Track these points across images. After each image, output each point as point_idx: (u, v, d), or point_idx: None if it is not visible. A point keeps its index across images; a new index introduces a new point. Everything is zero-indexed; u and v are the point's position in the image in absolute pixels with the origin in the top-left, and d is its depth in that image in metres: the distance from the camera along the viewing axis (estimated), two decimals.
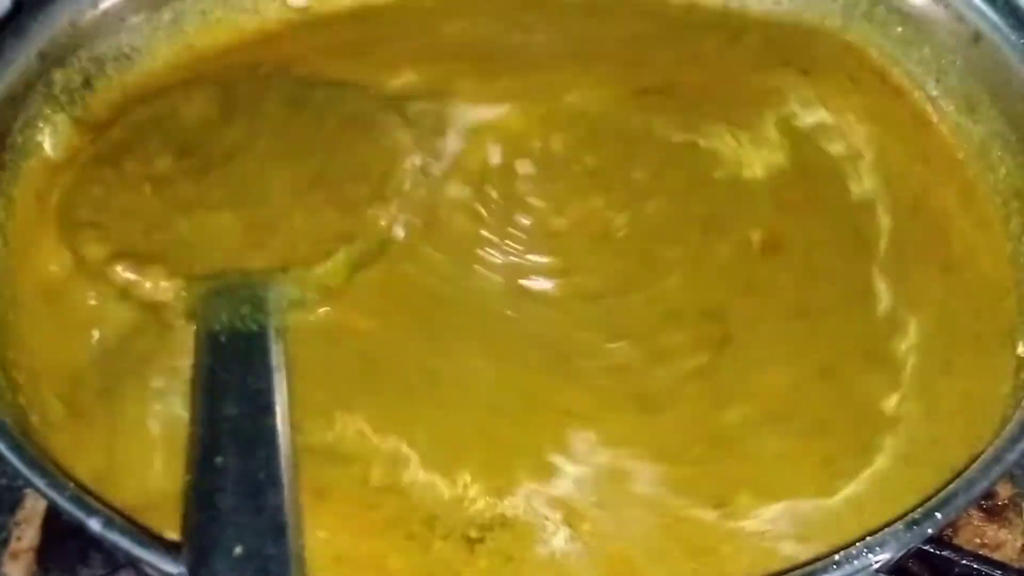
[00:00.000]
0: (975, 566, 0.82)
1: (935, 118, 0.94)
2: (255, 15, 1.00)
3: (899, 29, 0.96)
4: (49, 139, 0.89)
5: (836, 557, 0.64)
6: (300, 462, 0.68)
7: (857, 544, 0.64)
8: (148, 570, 0.67)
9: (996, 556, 0.86)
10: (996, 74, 0.90)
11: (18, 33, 0.87)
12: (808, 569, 0.64)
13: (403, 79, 0.94)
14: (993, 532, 0.88)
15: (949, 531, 0.87)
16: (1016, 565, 0.85)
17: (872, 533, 0.65)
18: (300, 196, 0.84)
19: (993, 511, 0.89)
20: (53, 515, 0.89)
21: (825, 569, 0.63)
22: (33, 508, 0.90)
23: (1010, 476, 0.88)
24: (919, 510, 0.65)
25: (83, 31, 0.91)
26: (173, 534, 0.69)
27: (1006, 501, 0.89)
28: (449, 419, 0.75)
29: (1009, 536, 0.88)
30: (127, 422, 0.76)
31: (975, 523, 0.89)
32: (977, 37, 0.91)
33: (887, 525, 0.65)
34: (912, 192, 0.90)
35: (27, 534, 0.89)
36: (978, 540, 0.88)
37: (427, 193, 0.86)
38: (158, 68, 0.96)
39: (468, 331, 0.80)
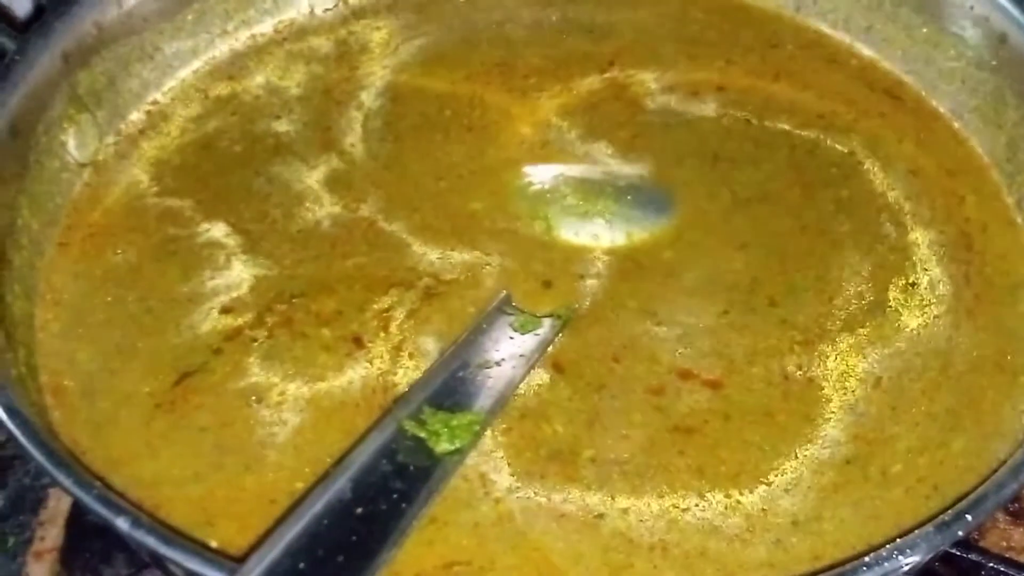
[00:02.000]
0: (1001, 569, 0.82)
1: (959, 122, 0.94)
2: (277, 15, 1.01)
3: (924, 30, 0.96)
4: (73, 139, 0.89)
5: (866, 559, 0.63)
6: None
7: (887, 546, 0.64)
8: (173, 569, 0.67)
9: (1022, 559, 0.85)
10: (1022, 76, 0.89)
11: (42, 34, 0.87)
12: (839, 571, 0.63)
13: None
14: (1020, 535, 0.88)
15: (975, 534, 0.87)
16: None
17: (903, 535, 0.65)
18: None
19: (1020, 514, 0.89)
20: (76, 515, 0.89)
21: (855, 571, 0.63)
22: (56, 508, 0.90)
23: None
24: (949, 512, 0.65)
25: (107, 32, 0.91)
26: (199, 534, 0.70)
27: None
28: None
29: None
30: (154, 423, 0.76)
31: (1001, 526, 0.88)
32: (1004, 38, 0.91)
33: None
34: (940, 194, 0.90)
35: (50, 534, 0.89)
36: (1004, 543, 0.88)
37: None
38: (183, 67, 0.97)
39: None
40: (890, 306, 0.83)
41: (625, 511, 0.72)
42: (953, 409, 0.78)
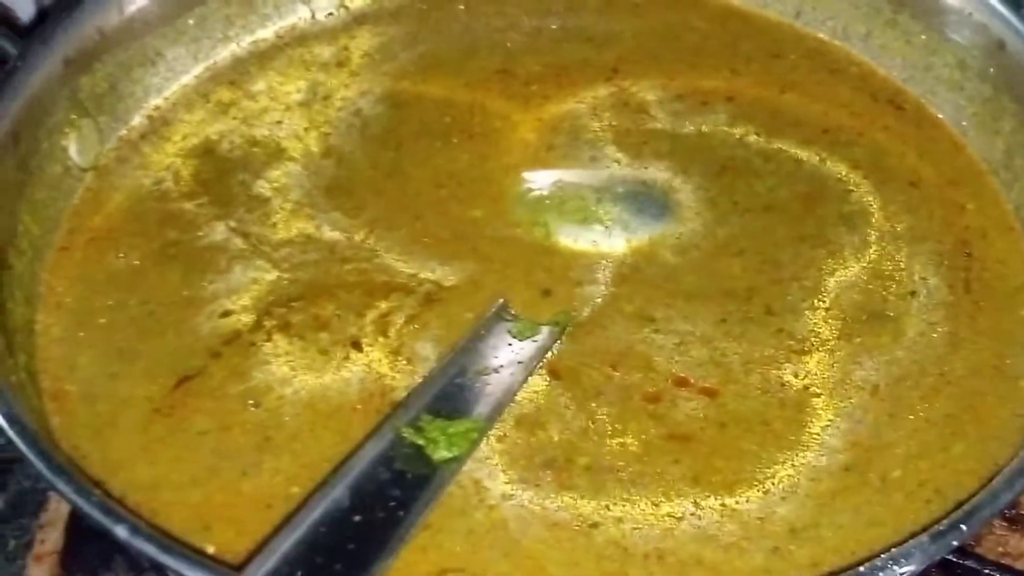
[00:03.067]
0: (997, 575, 0.82)
1: (957, 129, 0.95)
2: (279, 21, 1.02)
3: (923, 37, 0.96)
4: (75, 144, 0.89)
5: (861, 569, 0.63)
6: None
7: (883, 556, 0.64)
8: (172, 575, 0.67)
9: (1018, 565, 0.85)
10: (1020, 83, 0.90)
11: (44, 40, 0.87)
12: None
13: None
14: (1016, 541, 0.88)
15: (971, 540, 0.87)
16: None
17: (897, 545, 0.65)
18: None
19: (1016, 520, 0.89)
20: (76, 518, 0.89)
21: None
22: (57, 511, 0.90)
23: None
24: (944, 521, 0.65)
25: (109, 37, 0.92)
26: (196, 539, 0.71)
27: None
28: None
29: None
30: (153, 428, 0.77)
31: (997, 532, 0.88)
32: (1001, 45, 0.91)
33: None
34: (939, 205, 0.90)
35: (51, 537, 0.89)
36: (1000, 549, 0.87)
37: None
38: (185, 72, 0.98)
39: None
40: (888, 315, 0.83)
41: (620, 519, 0.72)
42: (952, 414, 0.78)
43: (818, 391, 0.79)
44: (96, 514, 0.64)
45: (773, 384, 0.79)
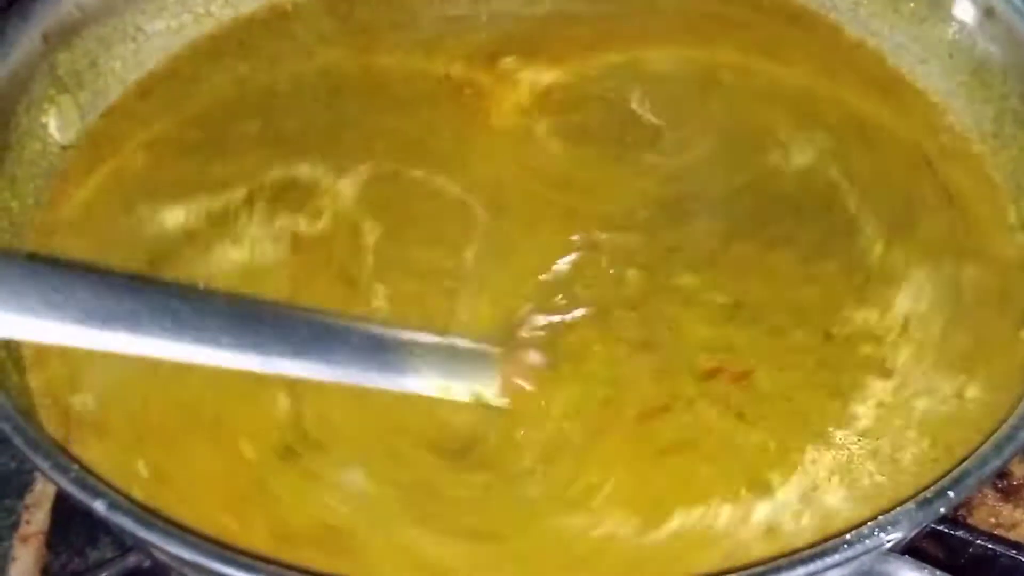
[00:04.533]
0: (990, 546, 0.82)
1: (945, 98, 0.94)
2: None
3: (911, 5, 0.95)
4: (54, 121, 0.88)
5: (847, 536, 0.63)
6: None
7: (869, 523, 0.63)
8: (155, 552, 0.67)
9: (1011, 536, 0.85)
10: (1009, 50, 0.89)
11: (22, 14, 0.86)
12: (819, 548, 0.63)
13: None
14: (1008, 512, 0.88)
15: (963, 511, 0.87)
16: None
17: (884, 512, 0.64)
18: None
19: (1008, 491, 0.89)
20: (62, 499, 0.89)
21: (836, 548, 0.62)
22: (42, 492, 0.91)
23: None
24: (931, 489, 0.65)
25: (88, 13, 0.91)
26: (181, 515, 0.69)
27: (1021, 480, 0.89)
28: None
29: None
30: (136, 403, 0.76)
31: (990, 503, 0.88)
32: (991, 12, 0.90)
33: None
34: (924, 174, 0.89)
35: (36, 517, 0.89)
36: (993, 520, 0.88)
37: None
38: (165, 49, 0.96)
39: None
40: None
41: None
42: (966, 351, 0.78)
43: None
44: (74, 490, 0.64)
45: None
